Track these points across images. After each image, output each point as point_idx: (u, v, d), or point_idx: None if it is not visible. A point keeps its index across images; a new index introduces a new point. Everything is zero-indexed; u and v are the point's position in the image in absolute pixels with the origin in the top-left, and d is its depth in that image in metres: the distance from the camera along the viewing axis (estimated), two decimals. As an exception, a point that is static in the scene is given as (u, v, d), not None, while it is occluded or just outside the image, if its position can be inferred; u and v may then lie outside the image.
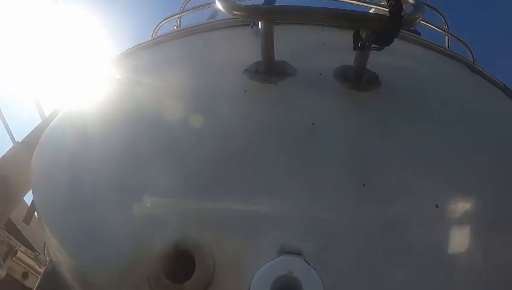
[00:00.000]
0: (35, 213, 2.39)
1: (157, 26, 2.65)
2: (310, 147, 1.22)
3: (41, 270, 3.32)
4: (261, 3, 2.00)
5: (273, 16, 1.25)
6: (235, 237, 1.08)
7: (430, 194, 1.16)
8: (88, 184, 1.33)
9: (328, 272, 0.96)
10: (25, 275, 4.12)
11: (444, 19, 2.82)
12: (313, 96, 1.35)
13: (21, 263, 4.05)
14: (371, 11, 2.48)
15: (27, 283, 4.11)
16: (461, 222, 1.19)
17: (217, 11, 1.82)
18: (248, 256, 1.02)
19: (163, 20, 2.67)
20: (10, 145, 3.67)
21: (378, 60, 1.33)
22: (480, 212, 1.22)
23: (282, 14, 1.28)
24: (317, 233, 1.06)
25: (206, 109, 1.34)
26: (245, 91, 1.37)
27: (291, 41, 1.52)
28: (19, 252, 3.95)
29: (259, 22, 1.24)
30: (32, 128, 3.71)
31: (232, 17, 1.45)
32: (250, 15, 1.25)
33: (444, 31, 2.60)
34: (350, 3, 2.15)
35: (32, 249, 4.36)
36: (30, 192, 2.91)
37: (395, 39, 1.19)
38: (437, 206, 1.13)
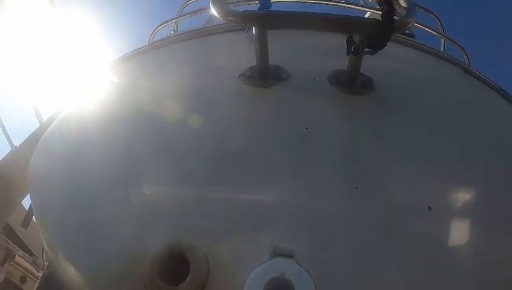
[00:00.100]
0: (33, 217, 2.39)
1: (154, 31, 2.67)
2: (304, 151, 1.22)
3: (39, 275, 3.33)
4: (258, 7, 2.02)
5: (267, 21, 1.26)
6: (229, 239, 1.09)
7: (424, 197, 1.17)
8: (87, 186, 1.34)
9: (320, 274, 0.97)
10: (23, 280, 4.12)
11: (440, 21, 2.84)
12: (307, 101, 1.36)
13: (19, 267, 4.05)
14: (367, 15, 2.50)
15: (25, 287, 4.11)
16: (455, 224, 1.19)
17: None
18: (242, 258, 1.03)
19: (161, 25, 2.68)
20: (8, 149, 3.68)
21: (372, 63, 1.34)
22: (476, 214, 1.22)
23: (276, 20, 1.29)
24: (309, 236, 1.07)
25: (200, 114, 1.35)
26: (239, 96, 1.38)
27: (285, 46, 1.53)
28: (17, 257, 3.96)
29: (254, 28, 1.25)
30: (30, 133, 3.72)
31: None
32: (244, 21, 1.26)
33: (439, 33, 2.62)
34: (346, 7, 2.17)
35: (30, 253, 4.36)
36: (28, 196, 2.91)
37: (388, 43, 1.20)
38: (430, 208, 1.14)
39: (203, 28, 1.93)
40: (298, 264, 0.95)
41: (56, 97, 4.40)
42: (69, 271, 1.31)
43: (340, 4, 2.26)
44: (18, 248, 4.05)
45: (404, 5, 1.35)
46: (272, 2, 2.08)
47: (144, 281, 1.02)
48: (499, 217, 1.22)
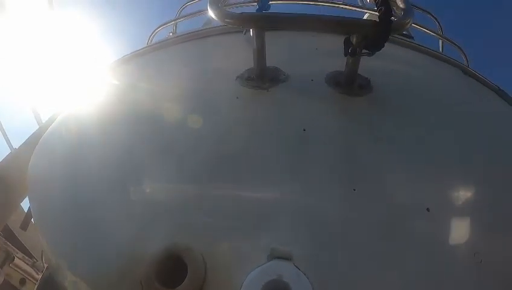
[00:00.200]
0: (32, 219, 2.39)
1: (153, 33, 2.68)
2: (302, 152, 1.22)
3: (39, 277, 3.32)
4: (256, 9, 2.03)
5: (265, 23, 1.26)
6: (227, 241, 1.09)
7: (422, 198, 1.17)
8: (86, 187, 1.34)
9: (318, 277, 0.97)
10: (23, 282, 4.12)
11: (438, 22, 2.84)
12: (305, 102, 1.36)
13: (18, 270, 4.05)
14: (365, 16, 2.50)
15: (24, 290, 4.11)
16: (454, 225, 1.19)
17: (212, 17, 1.84)
18: (239, 260, 1.03)
19: (160, 27, 2.69)
20: (8, 150, 3.68)
21: (370, 64, 1.34)
22: (475, 215, 1.22)
23: (273, 22, 1.29)
24: (308, 237, 1.07)
25: (199, 116, 1.35)
26: (237, 98, 1.38)
27: (283, 48, 1.53)
28: (16, 259, 3.96)
29: (251, 29, 1.26)
30: (30, 134, 3.72)
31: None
32: (242, 23, 1.26)
33: (438, 34, 2.62)
34: (344, 9, 2.18)
35: (30, 255, 4.36)
36: (27, 198, 2.91)
37: (386, 44, 1.20)
38: (428, 209, 1.14)
39: (201, 30, 1.93)
40: (296, 267, 0.95)
41: (55, 99, 4.41)
42: (69, 273, 1.31)
43: (338, 5, 2.27)
44: (17, 250, 4.04)
45: (401, 6, 1.35)
46: (270, 4, 2.09)
47: (141, 282, 1.02)
48: (498, 217, 1.21)
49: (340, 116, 1.34)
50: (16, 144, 3.70)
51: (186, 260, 1.00)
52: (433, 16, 2.80)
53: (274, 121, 1.31)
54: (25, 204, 3.55)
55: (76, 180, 1.39)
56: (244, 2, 2.26)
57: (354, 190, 1.14)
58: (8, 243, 3.88)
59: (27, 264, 4.17)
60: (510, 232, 1.20)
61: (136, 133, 1.41)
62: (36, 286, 2.16)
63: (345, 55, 1.26)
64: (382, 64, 1.46)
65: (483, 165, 1.33)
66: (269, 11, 1.95)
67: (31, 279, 4.17)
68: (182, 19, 2.69)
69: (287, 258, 0.98)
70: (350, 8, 2.21)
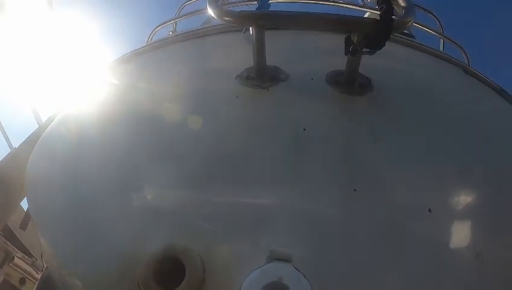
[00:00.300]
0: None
1: (152, 32, 2.68)
2: (302, 152, 1.22)
3: (39, 276, 3.32)
4: (256, 7, 2.02)
5: (265, 21, 1.25)
6: (226, 242, 1.08)
7: (423, 199, 1.16)
8: (85, 187, 1.33)
9: (318, 279, 0.96)
10: (22, 281, 4.13)
11: (439, 21, 2.84)
12: (305, 102, 1.35)
13: (18, 269, 4.06)
14: (366, 15, 2.49)
15: (24, 289, 4.11)
16: (455, 225, 1.19)
17: (211, 16, 1.83)
18: (238, 261, 1.02)
19: (159, 26, 2.69)
20: (7, 150, 3.68)
21: (371, 63, 1.33)
22: (476, 215, 1.21)
23: (273, 20, 1.29)
24: (308, 238, 1.06)
25: (198, 116, 1.34)
26: (237, 97, 1.37)
27: (283, 46, 1.52)
28: (16, 258, 3.96)
29: (251, 28, 1.25)
30: (29, 134, 3.72)
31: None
32: (241, 21, 1.25)
33: (439, 33, 2.61)
34: (344, 7, 2.17)
35: (30, 255, 4.36)
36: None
37: (387, 42, 1.19)
38: (430, 210, 1.13)
39: (201, 28, 1.92)
40: (296, 269, 0.94)
41: (55, 98, 4.41)
42: (68, 272, 1.30)
43: (338, 4, 2.26)
44: (17, 250, 4.05)
45: (403, 4, 1.34)
46: (270, 3, 2.08)
47: (139, 283, 1.01)
48: (499, 217, 1.21)
49: (341, 116, 1.33)
50: (16, 143, 3.70)
51: (184, 261, 0.99)
52: (434, 15, 2.80)
53: (274, 120, 1.30)
54: (25, 204, 3.56)
55: (76, 180, 1.38)
56: (243, 1, 2.25)
57: (355, 190, 1.13)
58: (8, 242, 3.88)
59: (27, 263, 4.18)
60: None
61: (135, 132, 1.41)
62: (36, 286, 2.16)
63: (346, 54, 1.25)
64: (383, 63, 1.45)
65: (485, 165, 1.32)
66: (269, 9, 1.94)
67: (31, 278, 4.18)
68: (181, 18, 2.69)
69: (286, 260, 0.97)
70: (351, 6, 2.20)
